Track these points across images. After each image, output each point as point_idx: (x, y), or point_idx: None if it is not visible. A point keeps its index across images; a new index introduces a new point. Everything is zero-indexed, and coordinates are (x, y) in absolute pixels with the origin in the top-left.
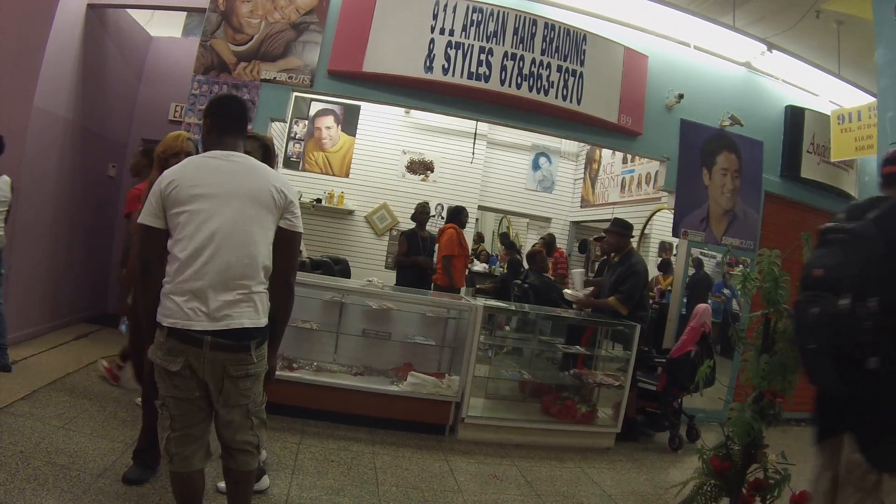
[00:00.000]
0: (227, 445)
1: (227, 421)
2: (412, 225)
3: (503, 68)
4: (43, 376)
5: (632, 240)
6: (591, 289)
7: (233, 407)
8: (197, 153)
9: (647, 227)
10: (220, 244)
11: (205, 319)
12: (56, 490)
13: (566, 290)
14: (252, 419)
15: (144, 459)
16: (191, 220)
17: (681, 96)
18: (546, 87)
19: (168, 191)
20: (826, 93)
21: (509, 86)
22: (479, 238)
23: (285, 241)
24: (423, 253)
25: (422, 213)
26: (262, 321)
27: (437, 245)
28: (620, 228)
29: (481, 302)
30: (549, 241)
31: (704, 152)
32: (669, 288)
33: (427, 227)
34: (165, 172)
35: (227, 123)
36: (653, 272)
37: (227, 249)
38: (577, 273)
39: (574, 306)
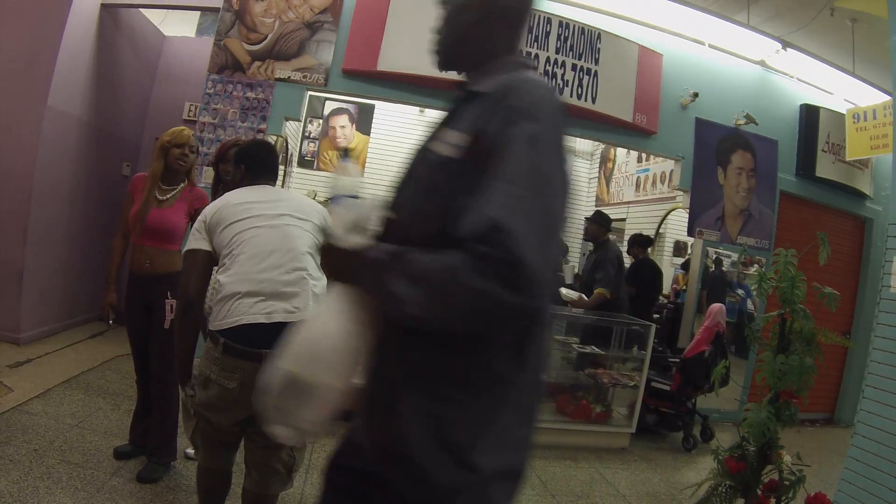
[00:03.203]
0: (255, 462)
1: (270, 440)
2: None
3: None
4: (58, 374)
5: (609, 234)
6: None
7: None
8: (198, 151)
9: (662, 226)
10: (272, 250)
11: (262, 316)
12: (70, 488)
13: (561, 290)
14: None
15: (158, 457)
16: (240, 232)
17: (695, 95)
18: (561, 86)
19: (210, 215)
20: (841, 91)
21: None
22: None
23: None
24: None
25: None
26: None
27: None
28: (600, 219)
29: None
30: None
31: (719, 151)
32: (685, 287)
33: None
34: (206, 209)
35: (261, 169)
36: (669, 271)
37: (280, 255)
38: (567, 268)
39: (569, 306)
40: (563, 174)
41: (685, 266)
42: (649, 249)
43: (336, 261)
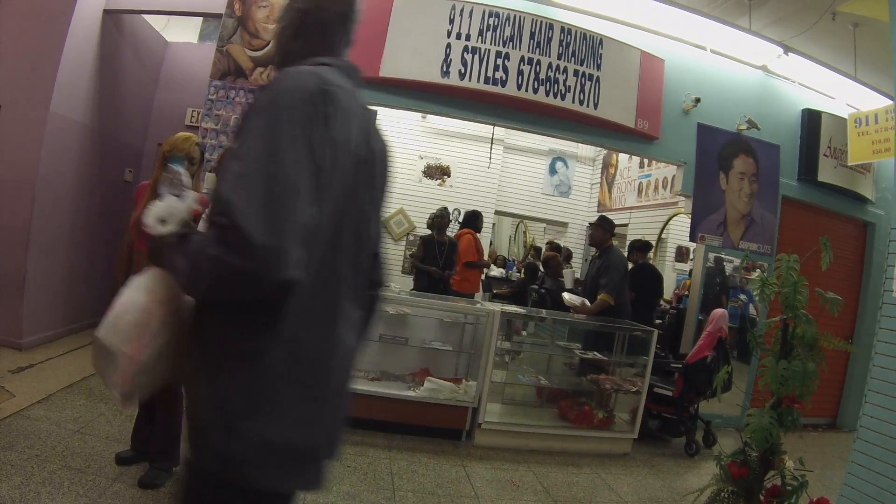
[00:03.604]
0: None
1: None
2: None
3: (520, 73)
4: (60, 380)
5: (613, 239)
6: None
7: None
8: (202, 159)
9: (664, 231)
10: None
11: None
12: (72, 494)
13: (564, 295)
14: None
15: (161, 463)
16: None
17: (697, 100)
18: (563, 92)
19: None
20: (843, 96)
21: (526, 90)
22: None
23: None
24: (440, 258)
25: (439, 217)
26: None
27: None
28: (605, 224)
29: (498, 307)
30: (555, 247)
31: (721, 156)
32: (686, 293)
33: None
34: None
35: None
36: (671, 277)
37: None
38: (567, 273)
39: (571, 312)
40: (302, 149)
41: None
42: (649, 255)
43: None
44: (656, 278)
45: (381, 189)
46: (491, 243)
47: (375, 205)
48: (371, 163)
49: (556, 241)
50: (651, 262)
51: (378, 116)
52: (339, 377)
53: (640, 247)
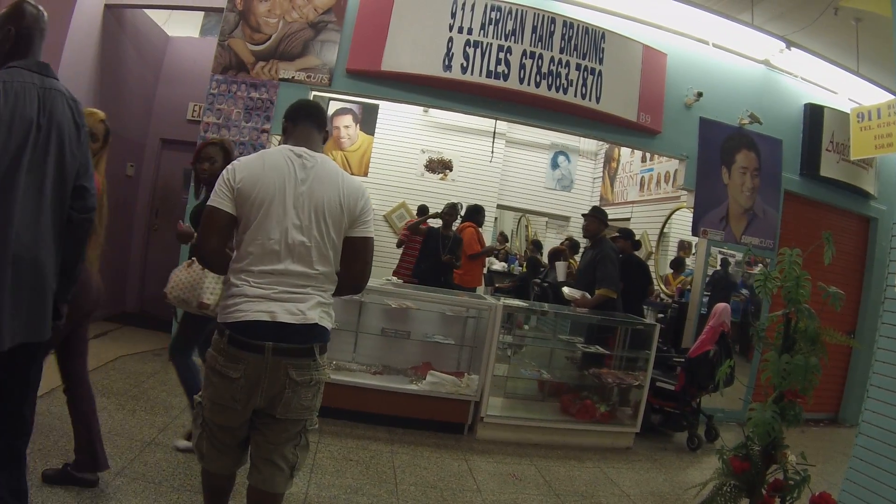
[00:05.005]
0: (260, 457)
1: (276, 435)
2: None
3: (522, 67)
4: None
5: (605, 230)
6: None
7: (290, 421)
8: (106, 137)
9: (667, 225)
10: (288, 254)
11: (266, 315)
12: (74, 488)
13: (564, 289)
14: (301, 436)
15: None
16: (259, 227)
17: (700, 94)
18: (565, 86)
19: (237, 184)
20: (845, 90)
21: (528, 84)
22: (503, 238)
23: (356, 248)
24: (443, 250)
25: (449, 213)
26: (330, 325)
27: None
28: (599, 215)
29: (501, 301)
30: (573, 244)
31: (724, 151)
32: (689, 287)
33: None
34: (237, 164)
35: (300, 113)
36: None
37: (296, 259)
38: (560, 265)
39: (572, 305)
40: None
41: (675, 265)
42: (637, 252)
43: None
44: (643, 271)
45: (73, 140)
46: (507, 239)
47: (70, 150)
48: (50, 126)
49: (572, 237)
50: (638, 253)
51: (65, 97)
52: (15, 268)
53: (626, 234)
